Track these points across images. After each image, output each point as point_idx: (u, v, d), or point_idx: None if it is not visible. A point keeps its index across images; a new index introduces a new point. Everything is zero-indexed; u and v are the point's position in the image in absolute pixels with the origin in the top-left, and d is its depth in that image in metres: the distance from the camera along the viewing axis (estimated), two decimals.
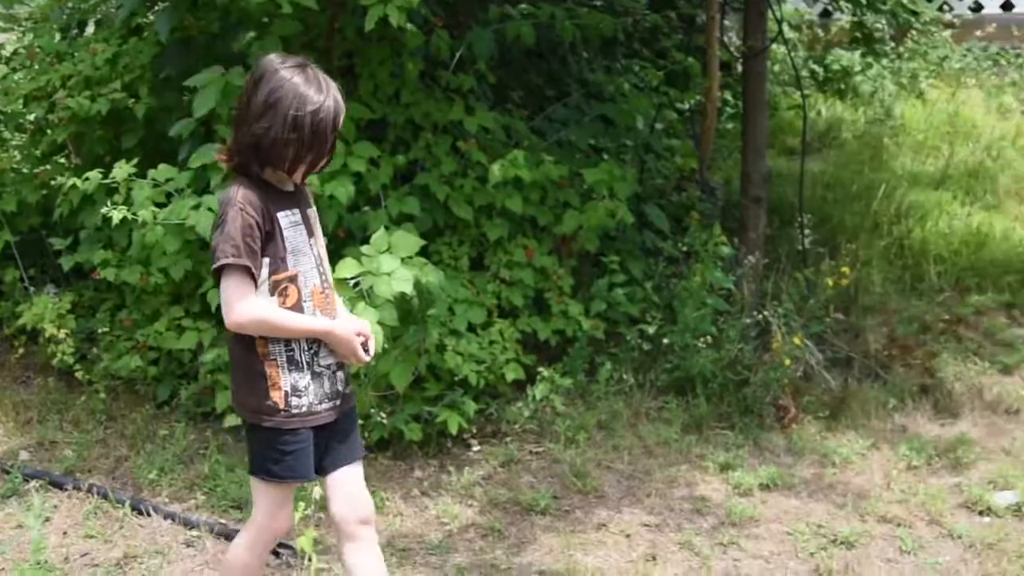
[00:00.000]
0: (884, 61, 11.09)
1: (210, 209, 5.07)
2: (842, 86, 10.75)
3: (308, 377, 3.31)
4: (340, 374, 3.41)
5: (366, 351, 3.41)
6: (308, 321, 3.28)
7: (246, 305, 3.17)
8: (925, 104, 10.26)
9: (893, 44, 11.44)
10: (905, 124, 9.91)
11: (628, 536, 4.61)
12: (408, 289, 4.69)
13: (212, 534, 4.49)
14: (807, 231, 6.86)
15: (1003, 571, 4.36)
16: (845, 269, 6.29)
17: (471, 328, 5.52)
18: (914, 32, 11.44)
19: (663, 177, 7.38)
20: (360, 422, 5.04)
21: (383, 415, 5.08)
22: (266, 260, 3.21)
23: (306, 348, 3.30)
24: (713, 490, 5.03)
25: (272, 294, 3.23)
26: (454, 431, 5.20)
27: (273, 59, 3.22)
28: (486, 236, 5.81)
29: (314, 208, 3.45)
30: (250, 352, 3.29)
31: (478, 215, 5.77)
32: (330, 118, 3.20)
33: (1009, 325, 6.89)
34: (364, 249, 4.79)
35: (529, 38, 6.03)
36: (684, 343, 5.82)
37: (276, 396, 3.28)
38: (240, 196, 3.15)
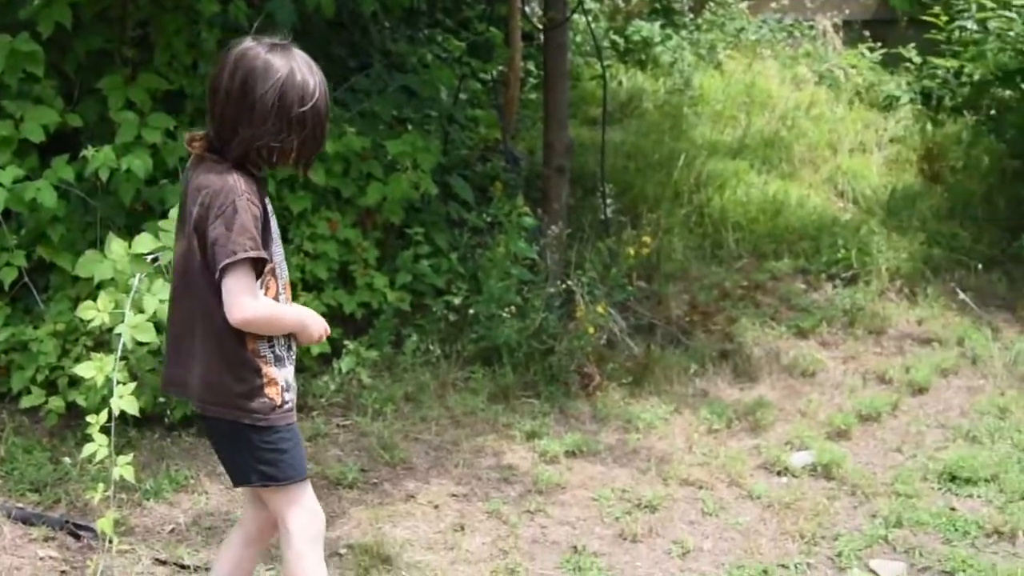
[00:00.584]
0: (683, 32, 11.29)
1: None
2: (643, 57, 10.90)
3: (289, 370, 3.19)
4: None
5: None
6: (298, 312, 3.22)
7: (257, 301, 3.02)
8: (723, 75, 10.49)
9: (692, 16, 11.65)
10: (704, 94, 10.12)
11: (436, 507, 4.63)
12: None
13: (9, 518, 4.33)
14: (609, 201, 6.97)
15: (800, 529, 4.52)
16: (646, 238, 6.42)
17: None
18: (712, 4, 11.69)
19: (467, 147, 7.39)
20: (162, 399, 4.98)
21: None
22: None
23: (283, 343, 3.16)
24: (520, 458, 5.09)
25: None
26: None
27: (259, 51, 2.99)
28: (289, 209, 5.73)
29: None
30: (241, 349, 3.08)
31: (280, 188, 5.68)
32: (324, 101, 3.05)
33: (805, 290, 7.14)
34: (162, 224, 4.69)
35: (329, 8, 5.94)
36: (489, 313, 5.87)
37: (272, 393, 3.11)
38: (243, 185, 2.96)
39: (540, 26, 7.26)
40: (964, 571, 4.21)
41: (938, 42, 9.21)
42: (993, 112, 9.18)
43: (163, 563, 4.09)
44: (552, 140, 6.51)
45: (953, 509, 4.76)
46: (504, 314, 5.84)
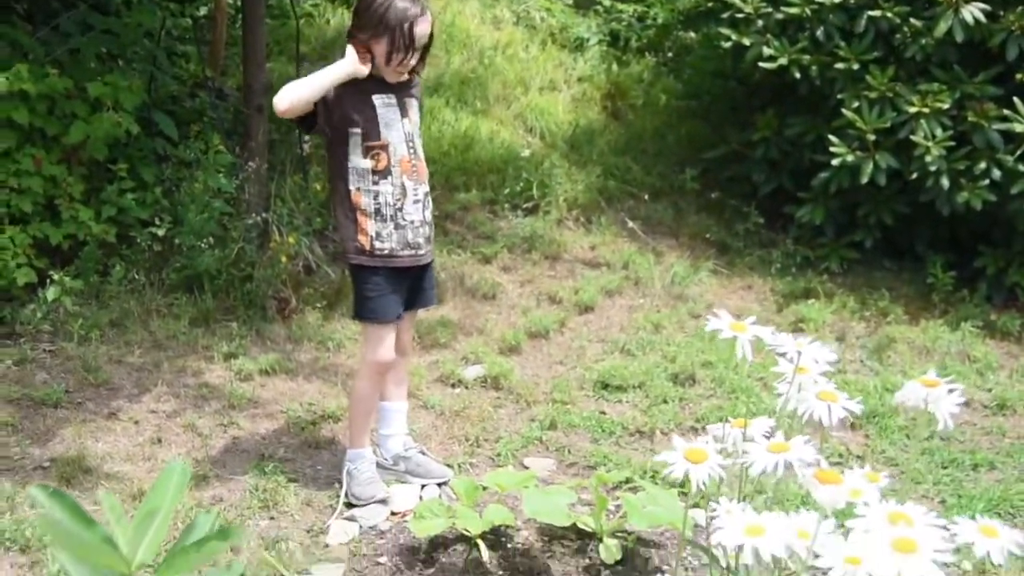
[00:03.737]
0: None
1: None
2: None
3: (391, 226, 4.22)
4: (422, 230, 4.32)
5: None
6: (324, 72, 4.10)
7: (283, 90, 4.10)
8: None
9: None
10: None
11: (137, 423, 5.02)
12: None
13: None
14: (306, 138, 7.37)
15: (466, 433, 5.10)
16: None
17: None
18: None
19: (176, 84, 7.63)
20: None
21: None
22: (359, 130, 4.16)
23: (391, 203, 4.21)
24: (217, 377, 5.52)
25: (365, 157, 4.18)
26: None
27: None
28: None
29: (416, 99, 4.37)
30: (346, 200, 4.22)
31: None
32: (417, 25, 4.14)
33: (490, 219, 7.71)
34: None
35: None
36: (191, 244, 6.22)
37: (363, 239, 4.22)
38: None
39: None
40: (604, 464, 4.83)
41: None
42: (672, 54, 9.99)
43: None
44: (250, 80, 6.78)
45: (603, 413, 5.42)
46: (204, 244, 6.22)
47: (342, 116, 4.20)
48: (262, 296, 6.19)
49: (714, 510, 2.15)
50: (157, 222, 6.32)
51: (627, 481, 4.53)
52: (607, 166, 8.32)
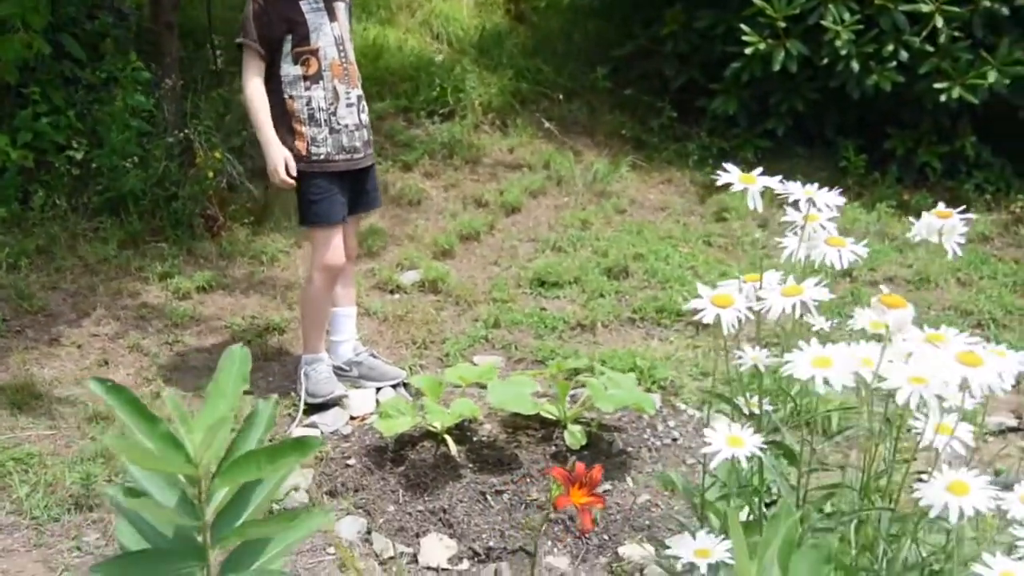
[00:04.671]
0: None
1: None
2: None
3: (326, 131, 4.27)
4: (358, 134, 4.37)
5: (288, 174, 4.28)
6: (265, 129, 4.25)
7: (247, 81, 4.28)
8: None
9: None
10: None
11: (80, 347, 4.98)
12: None
13: None
14: (219, 52, 7.25)
15: (412, 336, 5.16)
16: None
17: None
18: None
19: (76, 5, 7.43)
20: None
21: None
22: (289, 36, 4.20)
23: (324, 107, 4.26)
24: (155, 298, 5.47)
25: (296, 63, 4.23)
26: None
27: None
28: None
29: (343, 2, 4.39)
30: (281, 107, 4.26)
31: None
32: None
33: (407, 127, 7.68)
34: None
35: None
36: (112, 165, 6.12)
37: (300, 145, 4.27)
38: None
39: None
40: (552, 358, 4.88)
41: None
42: None
43: None
44: None
45: (543, 309, 5.51)
46: (127, 165, 6.12)
47: (270, 23, 4.21)
48: (189, 215, 6.12)
49: (739, 357, 2.22)
50: (75, 145, 6.19)
51: (586, 370, 4.60)
52: (518, 69, 8.31)
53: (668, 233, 6.46)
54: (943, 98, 6.76)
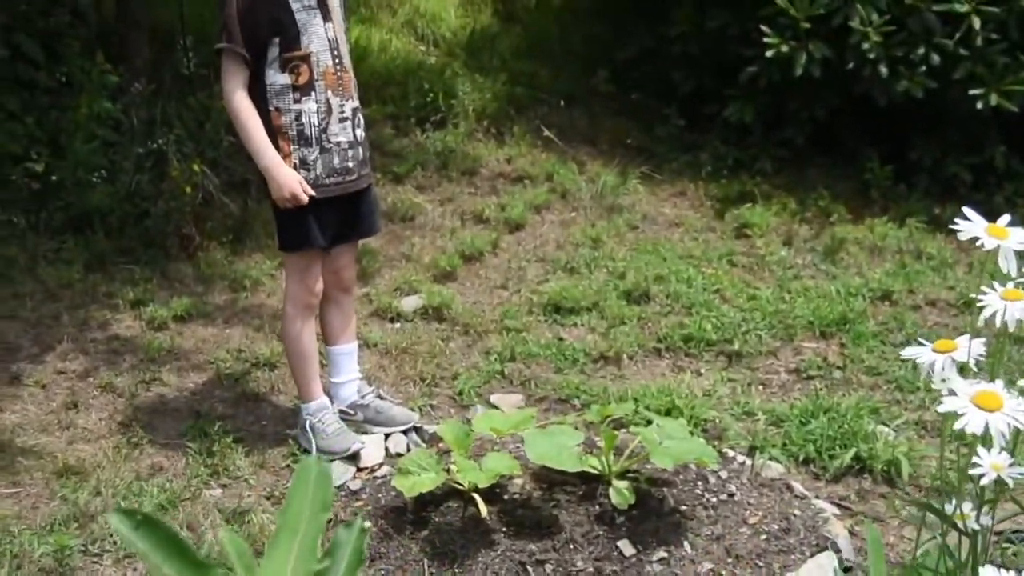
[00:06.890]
0: None
1: None
2: None
3: (317, 152, 3.65)
4: (352, 152, 3.72)
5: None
6: (265, 149, 3.58)
7: (231, 93, 3.60)
8: None
9: None
10: None
11: (44, 386, 4.40)
12: None
13: None
14: (191, 54, 6.66)
15: (420, 372, 4.59)
16: None
17: None
18: None
19: (27, 3, 6.85)
20: None
21: None
22: (277, 40, 3.56)
23: (315, 123, 3.63)
24: (127, 328, 4.90)
25: (284, 71, 3.59)
26: None
27: None
28: None
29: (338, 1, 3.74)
30: (265, 121, 3.60)
31: None
32: None
33: (395, 136, 7.11)
34: None
35: None
36: (76, 178, 5.56)
37: (286, 164, 3.62)
38: None
39: None
40: (578, 396, 4.39)
41: None
42: None
43: None
44: None
45: (561, 339, 4.96)
46: (93, 178, 5.54)
47: (255, 24, 3.58)
48: (162, 233, 5.54)
49: (975, 463, 1.65)
50: (34, 156, 5.61)
51: (628, 415, 4.03)
52: (512, 72, 7.76)
53: (687, 252, 5.92)
54: (979, 105, 6.26)
